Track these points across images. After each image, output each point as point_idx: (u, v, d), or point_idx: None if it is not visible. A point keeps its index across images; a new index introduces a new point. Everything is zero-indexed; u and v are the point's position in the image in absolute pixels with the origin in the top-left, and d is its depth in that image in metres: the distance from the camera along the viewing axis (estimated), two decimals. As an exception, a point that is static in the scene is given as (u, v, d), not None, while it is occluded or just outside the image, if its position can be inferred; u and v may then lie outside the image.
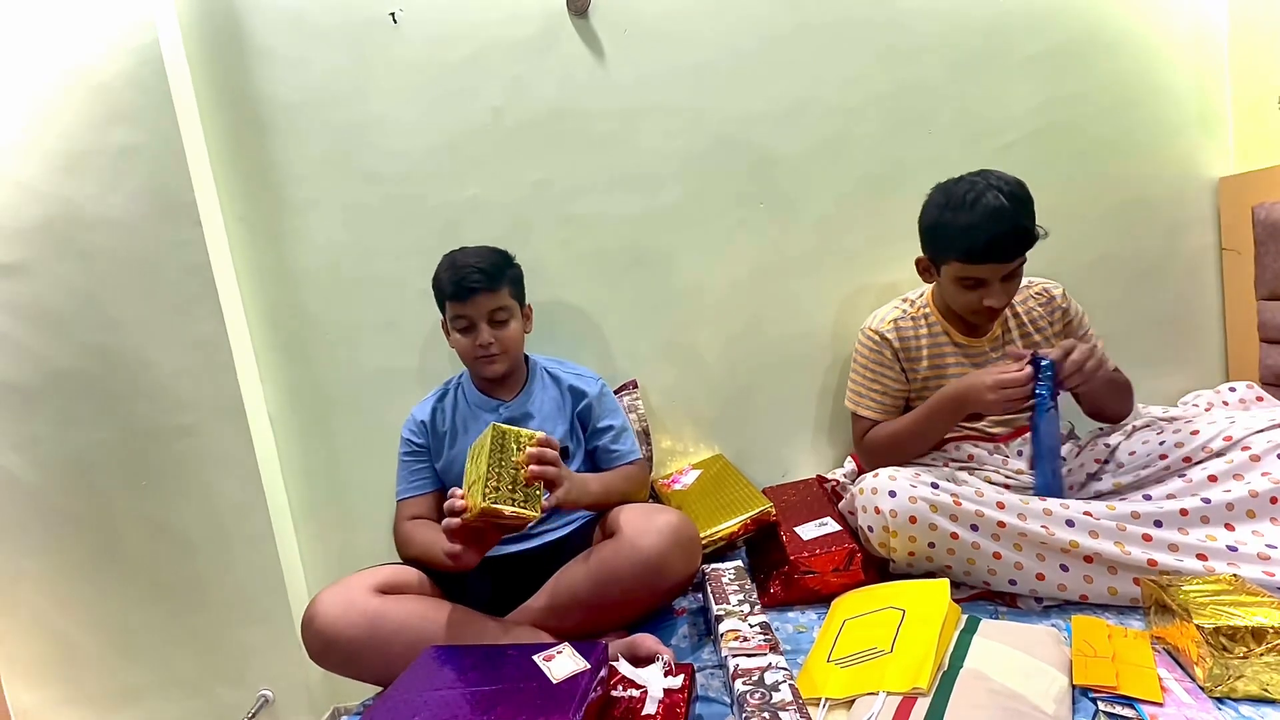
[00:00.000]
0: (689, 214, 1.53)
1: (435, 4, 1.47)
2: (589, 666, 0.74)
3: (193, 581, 1.52)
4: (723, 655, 0.83)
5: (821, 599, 1.06)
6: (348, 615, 0.95)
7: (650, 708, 0.75)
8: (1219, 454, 1.02)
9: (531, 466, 0.91)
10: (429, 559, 1.07)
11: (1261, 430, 1.00)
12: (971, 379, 1.11)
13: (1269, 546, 0.89)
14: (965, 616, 0.90)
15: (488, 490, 0.87)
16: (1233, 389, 1.37)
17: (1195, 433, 1.08)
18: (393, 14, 1.46)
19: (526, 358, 1.31)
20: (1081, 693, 0.74)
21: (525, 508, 0.89)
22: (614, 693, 0.79)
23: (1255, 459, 0.98)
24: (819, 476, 1.43)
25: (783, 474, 1.57)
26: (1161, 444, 1.11)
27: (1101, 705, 0.72)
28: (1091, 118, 1.50)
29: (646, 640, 0.91)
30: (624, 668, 0.82)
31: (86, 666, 1.55)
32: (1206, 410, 1.24)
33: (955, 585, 1.02)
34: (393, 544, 1.23)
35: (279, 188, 1.50)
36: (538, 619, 1.02)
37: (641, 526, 1.00)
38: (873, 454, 1.26)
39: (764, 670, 0.77)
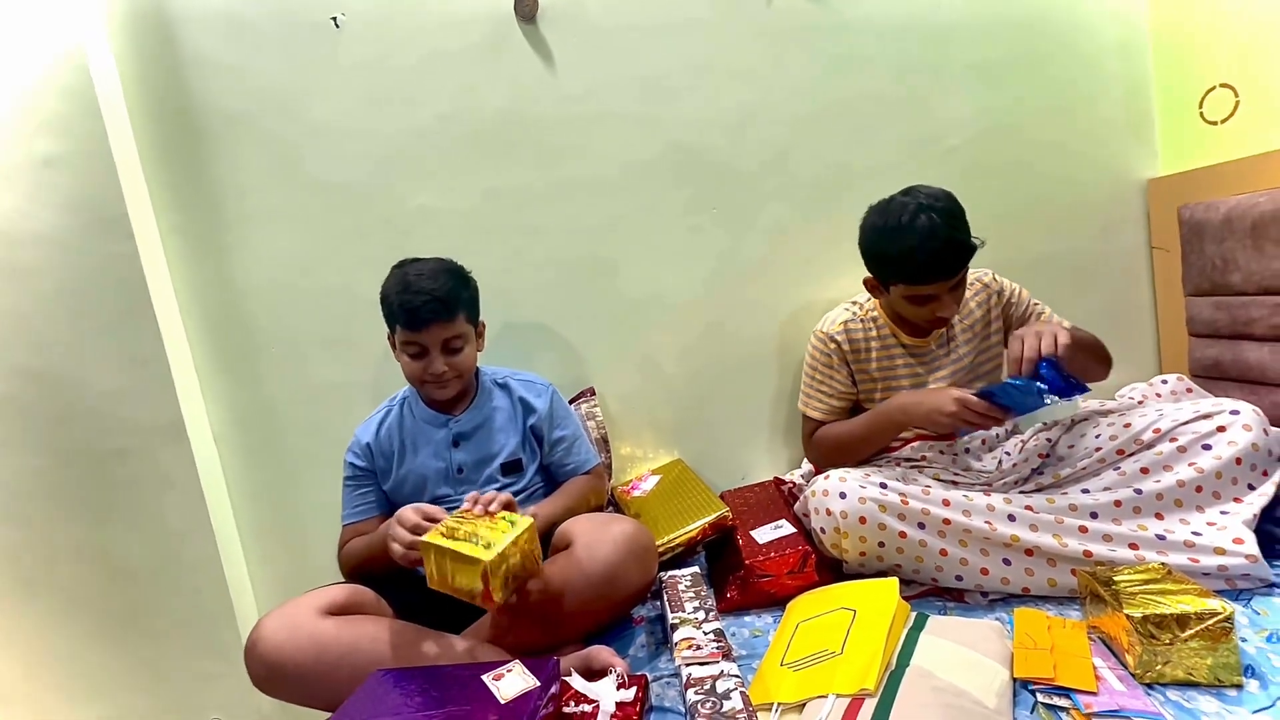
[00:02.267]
0: (643, 222, 1.53)
1: (379, 8, 1.44)
2: (538, 684, 0.73)
3: (136, 611, 1.46)
4: (676, 665, 0.83)
5: (778, 601, 1.07)
6: (294, 639, 0.92)
7: (602, 722, 0.75)
8: (1149, 446, 1.06)
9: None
10: (372, 555, 1.06)
11: (1187, 422, 1.05)
12: (922, 394, 1.14)
13: (1194, 534, 0.93)
14: (914, 614, 0.91)
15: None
16: (1164, 381, 1.43)
17: (1128, 425, 1.12)
18: (334, 18, 1.43)
19: (476, 370, 1.29)
20: (1021, 684, 0.77)
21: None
22: (566, 709, 0.78)
23: (1182, 450, 1.02)
24: (776, 479, 1.45)
25: (742, 477, 1.59)
26: (1098, 437, 1.15)
27: (1040, 696, 0.74)
28: (1028, 123, 1.56)
29: (601, 653, 0.90)
30: (576, 682, 0.81)
31: (22, 704, 1.47)
32: (1140, 403, 1.29)
33: (905, 583, 1.04)
34: (345, 565, 1.20)
35: (218, 199, 1.46)
36: (493, 635, 1.01)
37: (595, 537, 1.00)
38: (819, 454, 1.30)
39: (716, 679, 0.77)
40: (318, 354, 1.51)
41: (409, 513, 0.97)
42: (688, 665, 0.81)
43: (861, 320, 1.29)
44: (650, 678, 0.91)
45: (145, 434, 1.40)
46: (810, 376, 1.32)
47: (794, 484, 1.39)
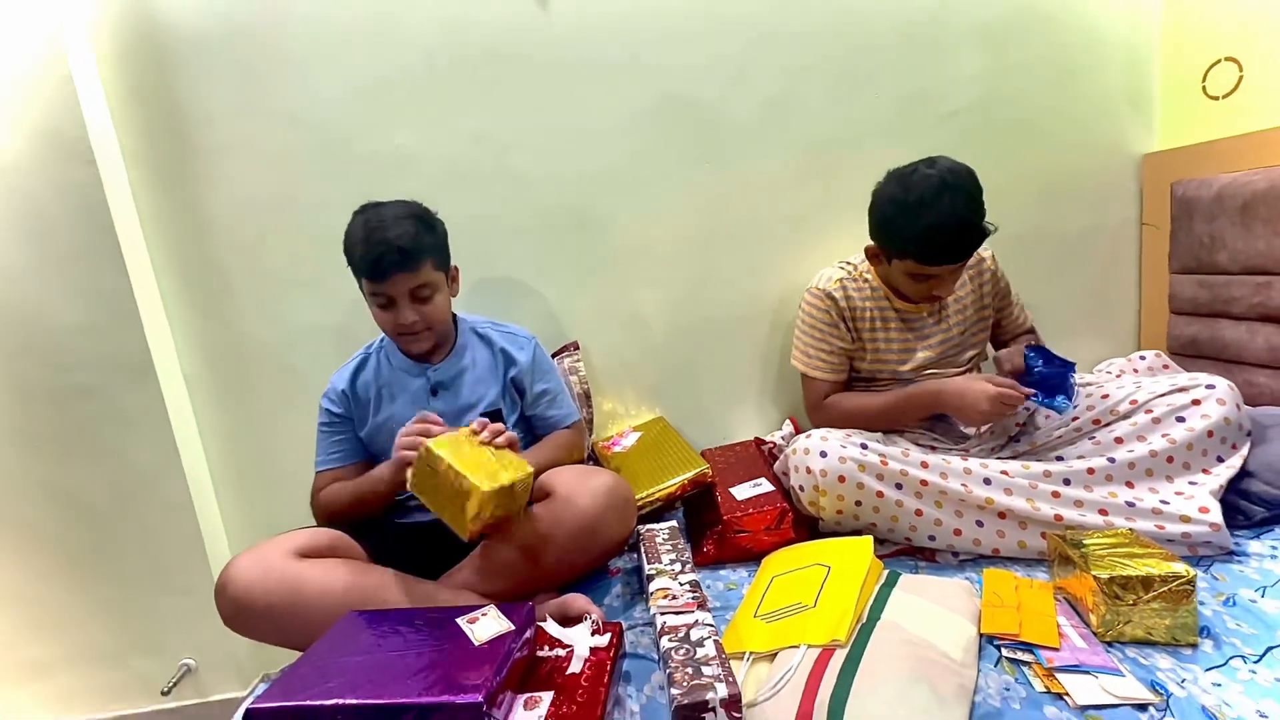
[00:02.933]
0: (633, 172, 1.49)
1: (361, -68, 1.35)
2: (513, 628, 0.73)
3: (102, 551, 1.43)
4: (651, 613, 0.83)
5: (753, 557, 1.08)
6: (265, 581, 0.90)
7: (576, 666, 0.75)
8: (1125, 417, 1.08)
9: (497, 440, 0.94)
10: (359, 498, 1.07)
11: (1163, 394, 1.07)
12: (961, 385, 1.11)
13: (1162, 502, 0.96)
14: (887, 572, 0.93)
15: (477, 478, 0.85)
16: (1143, 357, 1.45)
17: (1105, 396, 1.14)
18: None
19: (455, 317, 1.25)
20: (988, 640, 0.78)
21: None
22: (540, 653, 0.79)
23: (1156, 421, 1.04)
24: (757, 439, 1.45)
25: (723, 436, 1.59)
26: (1075, 407, 1.17)
27: (1004, 651, 0.76)
28: (1028, 91, 1.53)
29: (577, 600, 0.90)
30: (551, 628, 0.81)
31: (-16, 639, 1.45)
32: (1118, 377, 1.31)
33: (880, 542, 1.06)
34: (320, 509, 1.18)
35: (184, 128, 1.38)
36: (469, 582, 1.01)
37: (576, 489, 0.99)
38: (831, 419, 1.24)
39: (690, 627, 0.78)
40: (291, 295, 1.46)
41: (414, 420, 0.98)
42: (663, 614, 0.82)
43: (855, 280, 1.27)
44: (625, 626, 0.92)
45: (111, 370, 1.35)
46: (809, 335, 1.29)
47: (774, 444, 1.40)
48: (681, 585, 0.88)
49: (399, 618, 0.79)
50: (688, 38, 1.44)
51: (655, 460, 1.31)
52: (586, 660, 0.76)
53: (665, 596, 0.85)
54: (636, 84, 1.45)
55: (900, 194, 1.10)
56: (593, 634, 0.80)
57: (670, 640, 0.76)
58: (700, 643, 0.75)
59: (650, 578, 0.92)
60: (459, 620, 0.75)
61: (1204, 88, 1.43)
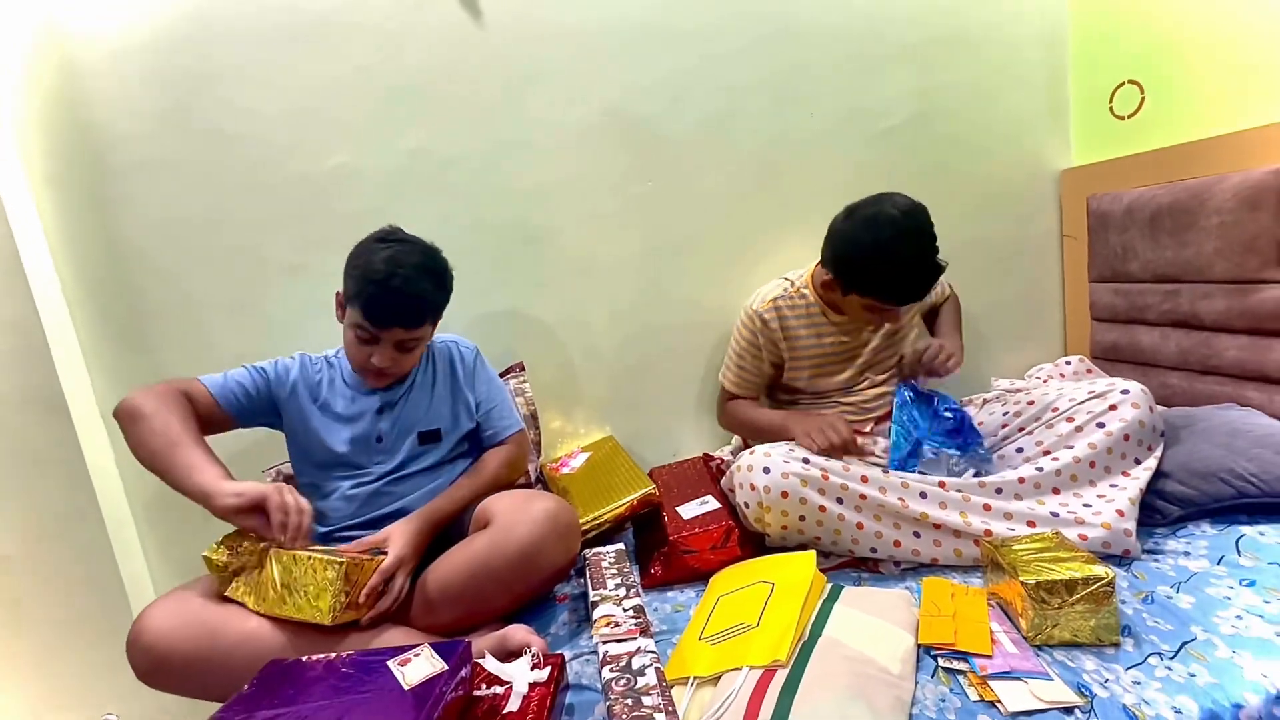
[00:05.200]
0: (576, 189, 1.49)
1: (289, -54, 1.32)
2: (445, 669, 0.70)
3: (14, 602, 1.33)
4: (594, 642, 0.82)
5: (702, 576, 1.07)
6: (182, 628, 0.85)
7: (514, 704, 0.73)
8: (1048, 425, 1.12)
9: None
10: (171, 446, 0.95)
11: (1082, 401, 1.11)
12: (805, 422, 1.18)
13: (1085, 506, 1.00)
14: (830, 585, 0.94)
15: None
16: (1068, 362, 1.52)
17: (1031, 403, 1.19)
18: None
19: None
20: (925, 650, 0.80)
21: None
22: (478, 691, 0.76)
23: (1079, 430, 1.09)
24: (705, 455, 1.45)
25: (673, 453, 1.59)
26: (1005, 414, 1.21)
27: (940, 660, 0.77)
28: (958, 107, 1.59)
29: (518, 632, 0.88)
30: (490, 664, 0.79)
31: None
32: (1045, 382, 1.37)
33: (824, 554, 1.07)
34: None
35: (100, 146, 1.30)
36: (409, 616, 0.97)
37: (516, 516, 0.97)
38: (727, 423, 1.43)
39: (632, 655, 0.77)
40: (220, 322, 1.40)
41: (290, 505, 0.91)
42: (605, 643, 0.80)
43: (791, 297, 1.30)
44: (569, 655, 0.90)
45: (16, 407, 1.26)
46: (733, 349, 1.36)
47: (722, 460, 1.41)
48: (625, 611, 0.87)
49: (325, 663, 0.75)
50: (629, 55, 1.46)
51: (603, 481, 1.30)
52: (526, 697, 0.74)
53: (608, 624, 0.84)
54: (578, 100, 1.46)
55: (863, 236, 1.12)
56: (532, 668, 0.78)
57: (611, 670, 0.74)
58: (641, 671, 0.74)
59: (594, 604, 0.91)
60: (390, 663, 0.72)
61: (1111, 108, 1.52)
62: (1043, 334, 1.73)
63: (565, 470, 1.42)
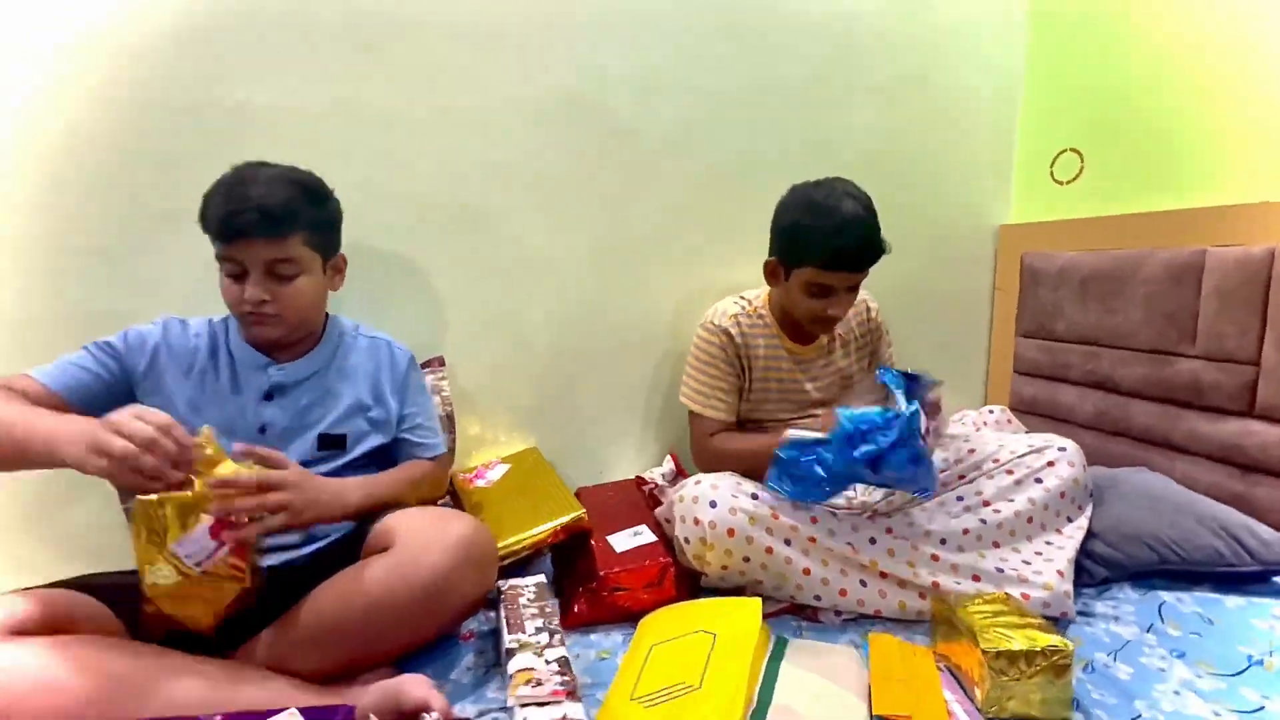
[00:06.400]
0: (524, 173, 1.35)
1: None
2: (319, 747, 0.55)
3: None
4: (509, 704, 0.68)
5: (631, 617, 0.96)
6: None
7: (406, 787, 0.58)
8: (988, 475, 1.11)
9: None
10: (29, 431, 0.73)
11: (1021, 455, 1.12)
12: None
13: (1024, 563, 0.98)
14: (773, 638, 0.86)
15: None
16: (991, 411, 1.55)
17: (972, 451, 1.18)
18: None
19: (327, 317, 1.04)
20: (878, 721, 0.73)
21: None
22: (359, 769, 0.61)
23: (1018, 483, 1.08)
24: (638, 478, 1.35)
25: (600, 471, 1.47)
26: (944, 460, 1.20)
27: (896, 735, 0.71)
28: (914, 151, 1.61)
29: (414, 686, 0.72)
30: (378, 733, 0.63)
31: None
32: (978, 431, 1.38)
33: (764, 599, 0.99)
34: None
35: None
36: (276, 658, 0.78)
37: (426, 539, 0.81)
38: (716, 459, 1.16)
39: (557, 725, 0.64)
40: (72, 268, 1.13)
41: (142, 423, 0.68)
42: (523, 705, 0.67)
43: (750, 317, 1.23)
44: (473, 715, 0.76)
45: None
46: (702, 372, 1.22)
47: (655, 484, 1.30)
48: (549, 665, 0.74)
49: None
50: (603, 36, 1.35)
51: (524, 500, 1.16)
52: (421, 777, 0.60)
53: (528, 682, 0.70)
54: (542, 77, 1.32)
55: (806, 200, 1.11)
56: (432, 737, 0.63)
57: (532, 745, 0.62)
58: (569, 747, 0.61)
59: (510, 652, 0.77)
60: (241, 736, 0.55)
61: (1051, 172, 1.58)
62: (965, 382, 1.77)
63: (480, 483, 1.27)
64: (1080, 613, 0.96)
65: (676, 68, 1.40)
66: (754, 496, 0.97)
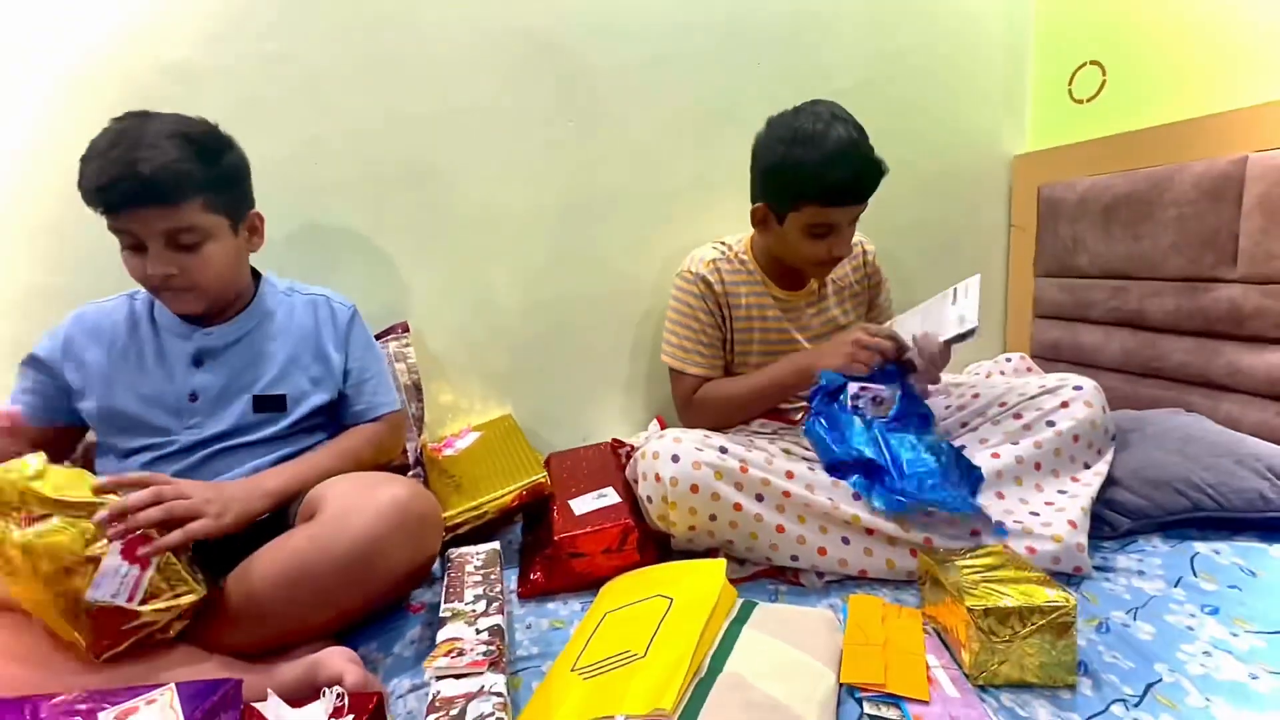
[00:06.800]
0: (482, 123, 1.26)
1: None
2: (182, 726, 0.49)
3: None
4: (425, 677, 0.62)
5: (592, 585, 0.89)
6: None
7: (295, 768, 0.52)
8: (994, 421, 1.00)
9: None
10: None
11: (1031, 397, 1.00)
12: (832, 343, 1.03)
13: (1032, 515, 0.87)
14: (740, 602, 0.77)
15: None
16: (1009, 359, 1.41)
17: (976, 396, 1.06)
18: None
19: (258, 276, 0.98)
20: (848, 691, 0.64)
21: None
22: (248, 749, 0.55)
23: (1027, 428, 0.96)
24: (614, 441, 1.26)
25: (583, 438, 1.39)
26: (946, 408, 1.09)
27: (866, 706, 0.62)
28: (912, 79, 1.46)
29: (333, 659, 0.66)
30: (271, 710, 0.57)
31: None
32: (987, 378, 1.25)
33: (738, 562, 0.90)
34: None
35: None
36: (210, 634, 0.73)
37: (351, 503, 0.75)
38: (703, 414, 1.11)
39: (471, 698, 0.57)
40: (18, 247, 1.10)
41: None
42: (439, 678, 0.60)
43: (730, 262, 1.12)
44: (408, 687, 0.70)
45: None
46: (681, 325, 1.12)
47: (632, 447, 1.22)
48: (478, 635, 0.67)
49: (14, 713, 0.52)
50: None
51: (489, 466, 1.09)
52: (313, 758, 0.53)
53: (450, 652, 0.64)
54: (492, 18, 1.23)
55: (789, 132, 0.99)
56: (331, 715, 0.57)
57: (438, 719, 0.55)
58: (478, 723, 0.54)
59: (442, 622, 0.70)
60: (104, 715, 0.50)
61: (1070, 91, 1.42)
62: (982, 329, 1.62)
63: (449, 451, 1.21)
64: (1098, 568, 0.84)
65: (640, 1, 1.28)
66: (722, 450, 0.87)
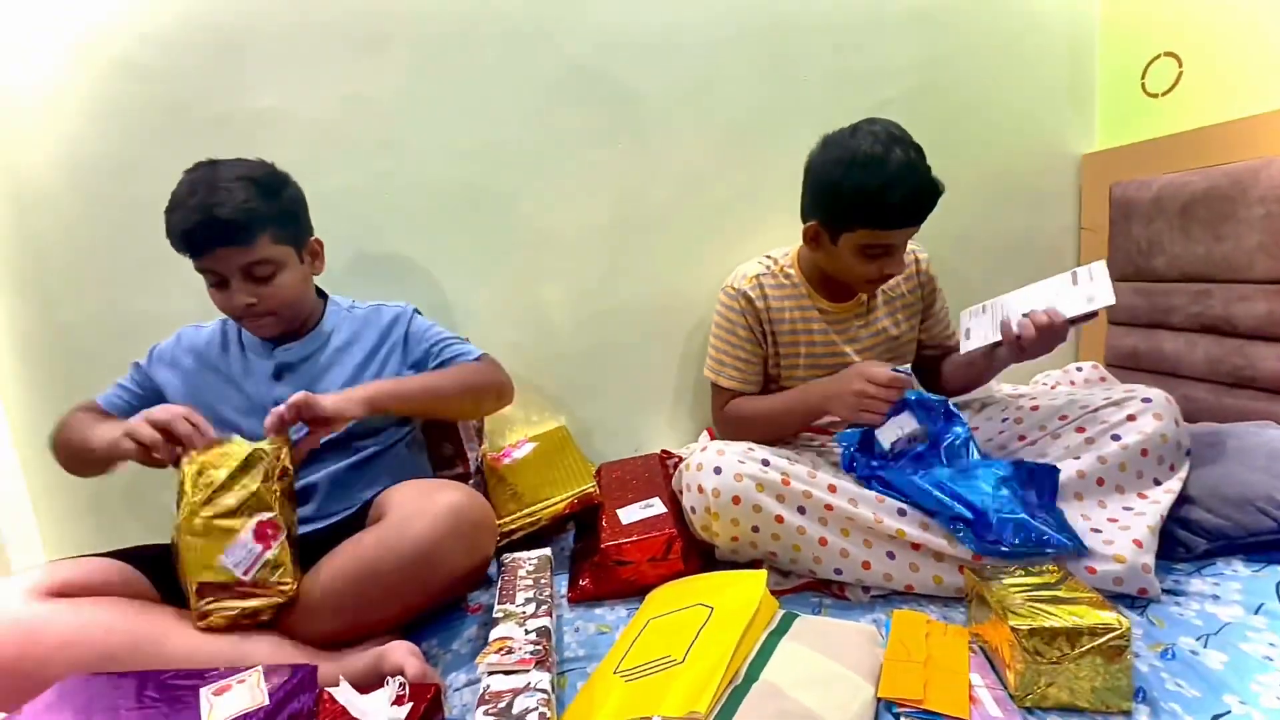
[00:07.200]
0: (537, 150, 1.33)
1: None
2: (265, 704, 0.55)
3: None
4: (478, 671, 0.66)
5: (638, 591, 0.92)
6: (-9, 629, 0.70)
7: (361, 749, 0.58)
8: (1054, 435, 0.96)
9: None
10: (84, 443, 0.88)
11: (1095, 409, 0.95)
12: (837, 384, 1.01)
13: (1094, 532, 0.83)
14: (782, 613, 0.78)
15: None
16: (1079, 369, 1.35)
17: (1035, 409, 1.03)
18: None
19: (325, 296, 1.09)
20: (885, 706, 0.64)
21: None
22: (323, 729, 0.61)
23: (1090, 441, 0.92)
24: (664, 451, 1.29)
25: (635, 449, 1.43)
26: (1004, 422, 1.05)
27: (904, 721, 0.62)
28: (969, 82, 1.42)
29: (396, 652, 0.73)
30: (342, 694, 0.63)
31: None
32: (1053, 389, 1.20)
33: (783, 574, 0.91)
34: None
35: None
36: (289, 624, 0.82)
37: (413, 509, 0.82)
38: (730, 429, 1.12)
39: (517, 694, 0.61)
40: (132, 278, 1.25)
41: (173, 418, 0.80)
42: (490, 673, 0.65)
43: (775, 277, 1.14)
44: (463, 682, 0.75)
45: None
46: (719, 338, 1.15)
47: (679, 458, 1.25)
48: (527, 635, 0.71)
49: (132, 683, 0.60)
50: (599, 3, 1.30)
51: (543, 475, 1.15)
52: (376, 741, 0.59)
53: (500, 650, 0.68)
54: (542, 51, 1.30)
55: (846, 154, 0.97)
56: (394, 703, 0.62)
57: (486, 713, 0.59)
58: (523, 716, 0.58)
59: (495, 622, 0.75)
60: (203, 690, 0.57)
61: (1143, 84, 1.34)
62: (1052, 337, 1.55)
63: (507, 460, 1.27)
64: (1168, 591, 0.80)
65: (681, 20, 1.32)
66: (764, 462, 0.89)
